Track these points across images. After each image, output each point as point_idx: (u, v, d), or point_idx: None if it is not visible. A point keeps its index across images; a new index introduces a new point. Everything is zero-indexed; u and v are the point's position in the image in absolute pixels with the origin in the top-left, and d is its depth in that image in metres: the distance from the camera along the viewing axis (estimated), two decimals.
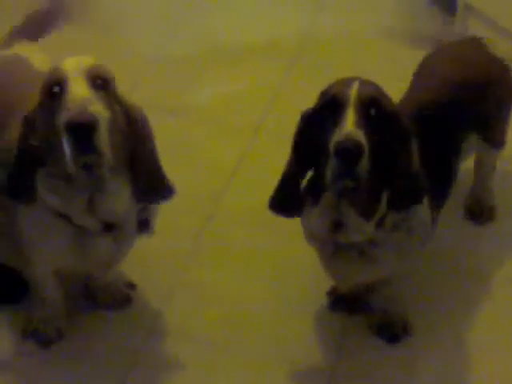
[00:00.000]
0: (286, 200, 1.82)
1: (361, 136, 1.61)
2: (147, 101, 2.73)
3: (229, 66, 3.07)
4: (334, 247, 1.86)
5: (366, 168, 1.63)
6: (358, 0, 3.48)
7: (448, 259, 2.32)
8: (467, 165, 2.29)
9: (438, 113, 2.01)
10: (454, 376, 2.03)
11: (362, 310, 2.15)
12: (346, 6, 3.42)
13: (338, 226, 1.78)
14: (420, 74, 2.21)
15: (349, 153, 1.60)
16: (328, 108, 1.68)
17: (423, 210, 1.86)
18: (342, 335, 2.11)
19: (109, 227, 1.82)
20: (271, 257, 2.32)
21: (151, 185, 1.80)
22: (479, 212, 2.44)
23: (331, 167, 1.63)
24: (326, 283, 2.12)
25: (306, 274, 2.19)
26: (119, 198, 1.78)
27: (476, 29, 3.00)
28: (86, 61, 1.69)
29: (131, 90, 2.78)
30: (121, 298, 2.17)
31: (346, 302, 2.16)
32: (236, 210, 2.45)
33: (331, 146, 1.62)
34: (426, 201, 1.85)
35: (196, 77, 3.01)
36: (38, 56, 2.14)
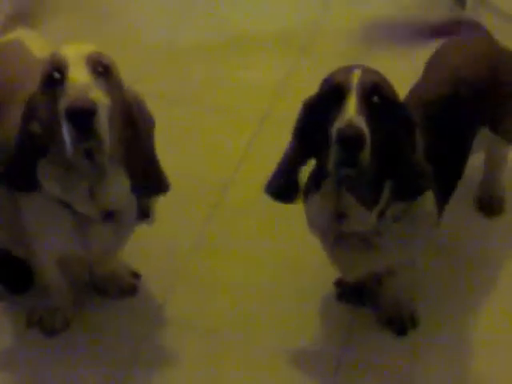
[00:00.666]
0: (282, 186, 1.81)
1: (363, 123, 1.60)
2: (154, 90, 2.77)
3: (237, 56, 3.06)
4: (336, 236, 1.85)
5: (367, 156, 1.61)
6: None
7: (457, 251, 2.30)
8: (478, 157, 2.27)
9: (448, 106, 2.00)
10: (461, 368, 2.02)
11: (370, 302, 2.14)
12: None
13: (340, 215, 1.77)
14: (430, 67, 2.19)
15: (350, 140, 1.58)
16: (330, 95, 1.67)
17: (428, 200, 1.85)
18: (350, 326, 2.11)
19: (109, 215, 1.81)
20: (277, 246, 2.32)
21: (146, 179, 1.79)
22: (489, 204, 2.43)
23: (332, 155, 1.62)
24: (333, 273, 2.11)
25: (313, 264, 2.18)
26: (119, 186, 1.77)
27: (487, 20, 2.98)
28: (86, 47, 1.67)
29: (138, 79, 2.77)
30: (126, 287, 2.17)
31: (353, 293, 2.16)
32: (242, 199, 2.45)
33: (333, 133, 1.61)
34: (430, 192, 1.83)
35: (204, 66, 3.00)
36: (36, 42, 2.13)
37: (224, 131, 2.71)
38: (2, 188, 1.86)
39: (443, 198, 1.98)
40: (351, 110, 1.61)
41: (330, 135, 1.62)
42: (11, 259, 2.15)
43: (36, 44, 2.11)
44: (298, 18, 3.28)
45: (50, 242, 1.90)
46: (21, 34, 2.18)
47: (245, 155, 2.51)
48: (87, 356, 2.02)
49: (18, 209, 1.86)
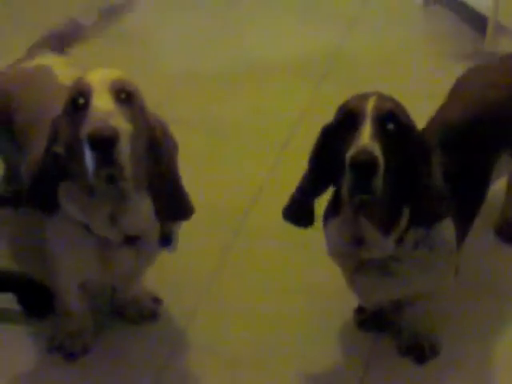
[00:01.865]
0: (298, 212, 1.84)
1: (376, 149, 1.60)
2: (176, 116, 2.78)
3: (258, 83, 3.08)
4: (356, 263, 1.85)
5: (381, 182, 1.62)
6: (388, 18, 3.48)
7: (477, 279, 2.29)
8: (498, 182, 2.27)
9: (471, 131, 2.00)
10: None
11: (391, 330, 2.13)
12: (376, 24, 3.42)
13: (358, 241, 1.77)
14: (455, 92, 2.20)
15: (363, 166, 1.59)
16: (345, 122, 1.68)
17: (447, 227, 1.85)
18: (370, 354, 2.09)
19: (130, 240, 1.82)
20: (298, 273, 2.31)
21: (170, 203, 1.79)
22: (509, 230, 2.41)
23: (347, 181, 1.63)
24: (353, 300, 2.11)
25: (334, 291, 2.17)
26: (141, 212, 1.78)
27: (507, 47, 2.98)
28: (111, 73, 1.69)
29: (160, 104, 2.80)
30: (147, 312, 2.17)
31: (373, 321, 2.14)
32: (262, 226, 2.45)
33: (347, 159, 1.62)
34: (449, 219, 1.83)
35: (225, 93, 3.02)
36: (62, 68, 2.15)
37: (245, 158, 2.72)
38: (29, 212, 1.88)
39: (464, 224, 1.98)
40: (365, 137, 1.61)
41: (344, 162, 1.63)
42: (32, 283, 2.16)
43: (64, 71, 2.13)
44: (319, 45, 3.30)
45: (72, 266, 1.91)
46: (50, 59, 2.20)
47: (265, 182, 2.51)
48: (108, 380, 2.01)
49: (43, 232, 1.88)
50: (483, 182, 2.05)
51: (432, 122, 2.06)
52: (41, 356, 2.07)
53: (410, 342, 2.07)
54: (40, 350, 2.08)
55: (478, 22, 3.32)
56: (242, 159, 2.71)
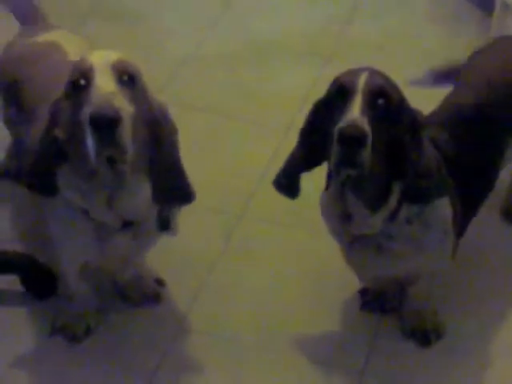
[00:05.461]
0: (286, 182, 1.84)
1: (365, 124, 1.61)
2: (179, 99, 2.77)
3: (262, 65, 3.06)
4: (349, 239, 1.86)
5: (368, 157, 1.62)
6: (393, 0, 3.45)
7: (483, 261, 2.29)
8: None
9: (481, 115, 1.99)
10: (487, 379, 2.00)
11: (394, 312, 2.13)
12: (380, 5, 3.39)
13: (347, 217, 1.78)
14: (463, 75, 2.18)
15: (350, 139, 1.60)
16: (336, 96, 1.68)
17: (443, 206, 1.84)
18: (374, 336, 2.09)
19: (128, 224, 1.82)
20: (301, 256, 2.31)
21: (170, 187, 1.78)
22: None
23: (334, 154, 1.63)
24: (357, 282, 2.11)
25: (338, 273, 2.17)
26: (139, 196, 1.77)
27: None
28: (113, 55, 1.68)
29: (164, 87, 2.79)
30: (150, 294, 2.17)
31: (377, 302, 2.15)
32: (267, 209, 2.44)
33: (335, 131, 1.62)
34: (447, 199, 1.83)
35: (228, 75, 3.00)
36: (73, 46, 2.12)
37: (249, 140, 2.71)
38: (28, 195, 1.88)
39: (470, 210, 1.97)
40: (355, 111, 1.62)
41: (333, 135, 1.63)
42: (36, 264, 2.16)
43: (73, 47, 2.11)
44: (323, 27, 3.28)
45: (71, 249, 1.91)
46: (60, 35, 2.18)
47: (269, 165, 2.50)
48: (110, 362, 2.03)
49: (43, 214, 1.88)
50: (492, 169, 2.04)
51: (443, 104, 2.05)
52: (43, 338, 2.08)
53: (413, 324, 2.08)
54: (43, 332, 2.09)
55: (484, 2, 3.30)
56: (246, 142, 2.70)
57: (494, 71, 2.09)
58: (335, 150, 1.63)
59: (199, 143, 2.62)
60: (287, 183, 1.84)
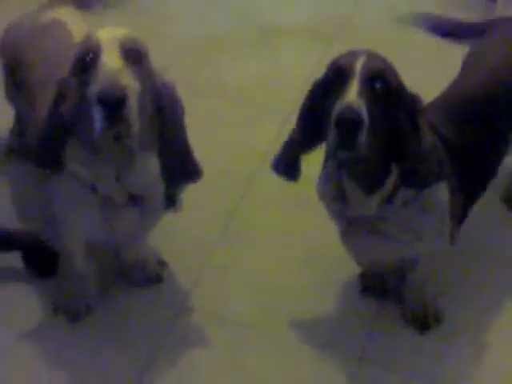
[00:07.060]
0: (285, 164, 1.84)
1: (362, 107, 1.61)
2: (183, 81, 2.75)
3: (265, 47, 3.06)
4: (346, 221, 1.86)
5: (365, 140, 1.62)
6: None
7: (482, 249, 2.30)
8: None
9: (485, 106, 1.99)
10: (485, 366, 2.01)
11: (394, 297, 2.14)
12: None
13: (343, 198, 1.78)
14: (468, 63, 2.18)
15: (347, 122, 1.60)
16: (334, 78, 1.68)
17: (440, 191, 1.84)
18: (374, 321, 2.10)
19: (134, 200, 1.82)
20: (302, 238, 2.32)
21: (177, 165, 1.79)
22: None
23: (331, 137, 1.63)
24: (357, 266, 2.12)
25: (338, 256, 2.17)
26: (146, 171, 1.77)
27: None
28: (120, 31, 1.68)
29: (168, 69, 2.78)
30: (152, 275, 2.17)
31: (377, 287, 2.16)
32: (268, 191, 2.45)
33: (332, 115, 1.62)
34: (445, 183, 1.83)
35: (233, 58, 3.00)
36: (78, 24, 2.12)
37: (251, 123, 2.71)
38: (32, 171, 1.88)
39: (473, 194, 1.98)
40: (352, 94, 1.62)
41: (330, 117, 1.63)
42: (38, 242, 2.17)
43: (77, 26, 2.11)
44: (326, 8, 3.27)
45: (76, 226, 1.91)
46: (64, 14, 2.17)
47: (271, 147, 2.49)
48: (112, 341, 2.03)
49: (47, 191, 1.88)
50: (495, 155, 2.04)
51: (444, 95, 2.04)
52: (44, 316, 2.09)
53: (414, 310, 2.08)
54: (43, 310, 2.10)
55: None
56: (249, 124, 2.70)
57: (500, 65, 2.08)
58: (332, 132, 1.63)
59: (201, 125, 2.61)
60: (287, 166, 1.84)
